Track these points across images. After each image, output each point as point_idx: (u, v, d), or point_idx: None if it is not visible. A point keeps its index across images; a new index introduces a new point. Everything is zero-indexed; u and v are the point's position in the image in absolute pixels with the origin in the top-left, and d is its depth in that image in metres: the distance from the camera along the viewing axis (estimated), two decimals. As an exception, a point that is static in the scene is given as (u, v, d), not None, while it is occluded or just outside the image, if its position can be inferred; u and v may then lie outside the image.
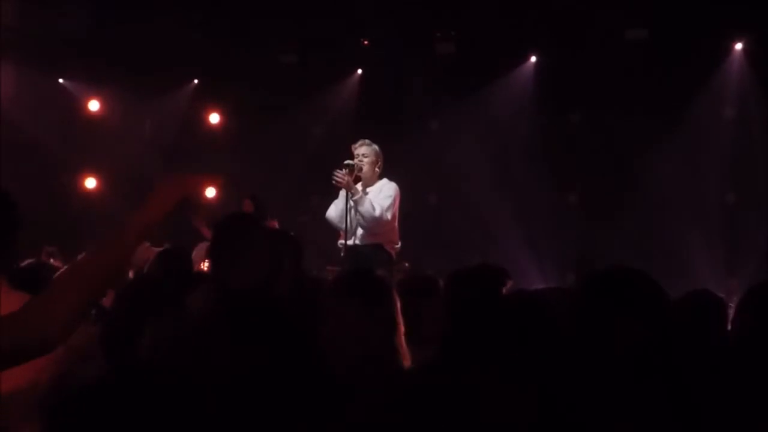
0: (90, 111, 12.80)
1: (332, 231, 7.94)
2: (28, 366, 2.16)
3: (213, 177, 2.45)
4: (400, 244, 7.86)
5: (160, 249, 5.94)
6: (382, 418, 2.17)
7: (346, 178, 7.48)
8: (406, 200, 8.08)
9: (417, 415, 1.79)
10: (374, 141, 7.89)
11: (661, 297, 2.27)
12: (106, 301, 5.20)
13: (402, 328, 3.03)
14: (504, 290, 4.50)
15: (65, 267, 2.20)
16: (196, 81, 12.86)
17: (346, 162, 7.60)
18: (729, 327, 3.56)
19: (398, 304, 3.08)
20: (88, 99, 12.78)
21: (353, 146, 7.85)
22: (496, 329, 1.76)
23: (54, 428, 1.07)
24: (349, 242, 7.66)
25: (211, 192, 11.76)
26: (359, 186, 7.61)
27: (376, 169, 7.79)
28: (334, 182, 7.53)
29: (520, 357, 1.68)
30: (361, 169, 7.67)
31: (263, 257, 3.37)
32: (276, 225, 8.62)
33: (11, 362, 2.08)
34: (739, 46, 11.61)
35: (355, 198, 7.52)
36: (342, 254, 7.72)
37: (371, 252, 7.59)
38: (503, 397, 1.60)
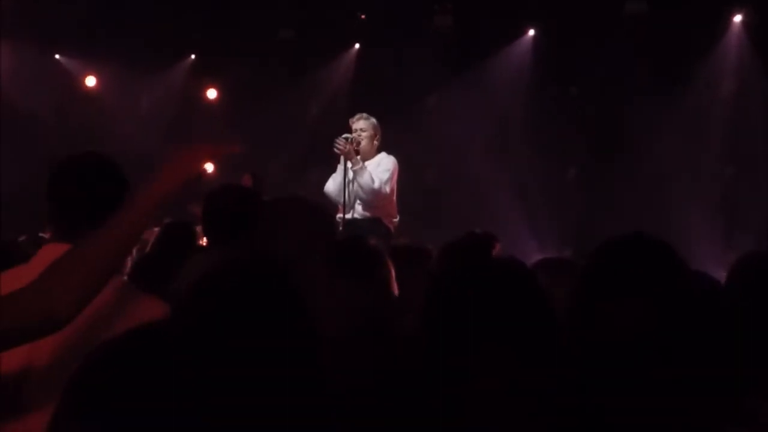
0: (86, 87, 12.75)
1: (330, 205, 7.92)
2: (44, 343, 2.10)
3: (230, 144, 2.35)
4: (398, 218, 7.86)
5: (164, 224, 5.93)
6: (372, 386, 2.16)
7: (347, 147, 7.46)
8: (405, 175, 8.06)
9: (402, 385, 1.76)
10: (372, 115, 7.84)
11: (679, 275, 1.98)
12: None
13: (395, 297, 2.99)
14: (494, 252, 4.50)
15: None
16: (192, 56, 12.81)
17: (344, 135, 7.56)
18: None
19: (392, 273, 3.03)
20: (85, 75, 12.73)
21: (351, 120, 7.81)
22: (484, 297, 1.68)
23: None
24: (348, 216, 7.64)
25: (209, 167, 11.73)
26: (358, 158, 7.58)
27: (375, 143, 7.75)
28: (335, 150, 7.50)
29: (507, 331, 1.61)
30: (359, 143, 7.62)
31: (300, 231, 3.22)
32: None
33: (18, 340, 1.99)
34: (738, 18, 11.56)
35: (354, 168, 7.50)
36: (340, 228, 7.71)
37: (370, 226, 7.53)
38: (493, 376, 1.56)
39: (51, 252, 2.44)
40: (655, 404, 1.76)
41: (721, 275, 3.91)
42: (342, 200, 7.63)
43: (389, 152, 7.84)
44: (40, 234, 7.14)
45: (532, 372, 1.52)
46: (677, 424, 1.75)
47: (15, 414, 2.31)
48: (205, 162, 2.19)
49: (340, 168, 7.68)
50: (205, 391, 1.04)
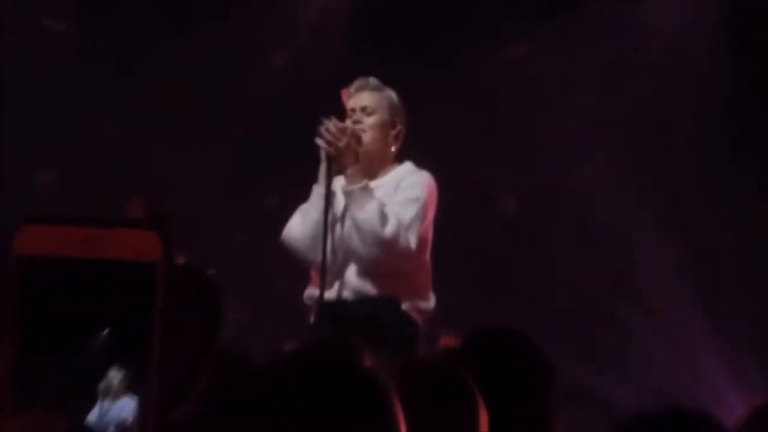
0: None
1: (296, 270, 4.62)
2: None
3: None
4: (434, 300, 4.43)
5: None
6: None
7: (343, 140, 4.46)
8: (453, 205, 5.06)
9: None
10: (388, 85, 4.76)
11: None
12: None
13: None
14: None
15: None
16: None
17: (331, 122, 4.46)
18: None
19: (400, 417, 1.68)
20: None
21: (346, 92, 4.82)
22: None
23: None
24: (329, 294, 4.45)
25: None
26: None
27: (390, 139, 4.67)
28: (318, 142, 4.48)
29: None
30: (359, 138, 4.54)
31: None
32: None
33: None
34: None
35: (350, 187, 4.43)
36: (313, 316, 4.52)
37: (375, 315, 4.44)
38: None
39: None
40: None
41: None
42: (319, 257, 4.46)
43: (421, 159, 4.71)
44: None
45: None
46: None
47: None
48: None
49: (318, 190, 4.55)
50: None
